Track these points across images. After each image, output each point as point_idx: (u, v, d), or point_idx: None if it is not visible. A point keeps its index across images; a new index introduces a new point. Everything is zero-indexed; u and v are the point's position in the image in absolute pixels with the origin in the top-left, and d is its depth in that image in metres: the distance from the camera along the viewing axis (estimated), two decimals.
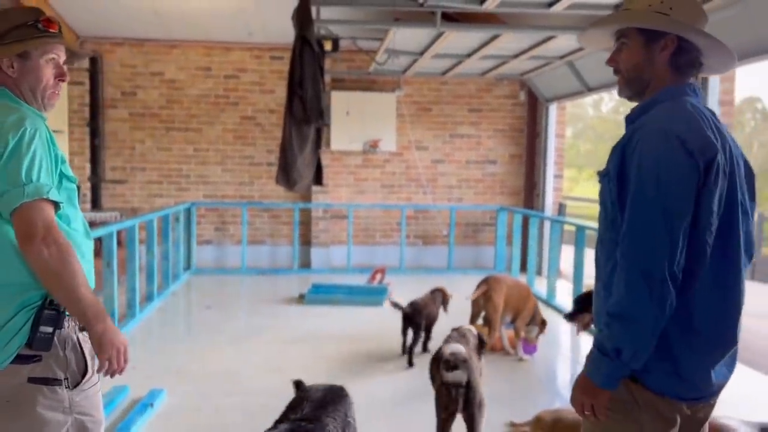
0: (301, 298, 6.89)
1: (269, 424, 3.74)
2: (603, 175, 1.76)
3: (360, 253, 8.81)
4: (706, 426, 1.80)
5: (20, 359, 1.73)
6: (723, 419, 2.12)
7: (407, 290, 4.57)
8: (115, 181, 8.56)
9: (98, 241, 5.28)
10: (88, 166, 8.36)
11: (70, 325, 1.80)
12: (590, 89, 7.33)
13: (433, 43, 6.43)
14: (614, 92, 2.60)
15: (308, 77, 4.84)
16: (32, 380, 1.74)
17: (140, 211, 8.20)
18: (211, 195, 8.75)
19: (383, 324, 5.80)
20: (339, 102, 8.57)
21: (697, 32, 1.71)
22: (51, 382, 1.75)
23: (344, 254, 8.60)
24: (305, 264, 8.73)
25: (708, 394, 1.72)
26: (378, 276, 7.67)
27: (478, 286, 4.93)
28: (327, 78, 8.53)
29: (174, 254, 7.50)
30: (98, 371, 1.82)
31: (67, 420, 1.77)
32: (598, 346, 1.65)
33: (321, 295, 6.89)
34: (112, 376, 1.82)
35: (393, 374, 4.71)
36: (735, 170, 1.68)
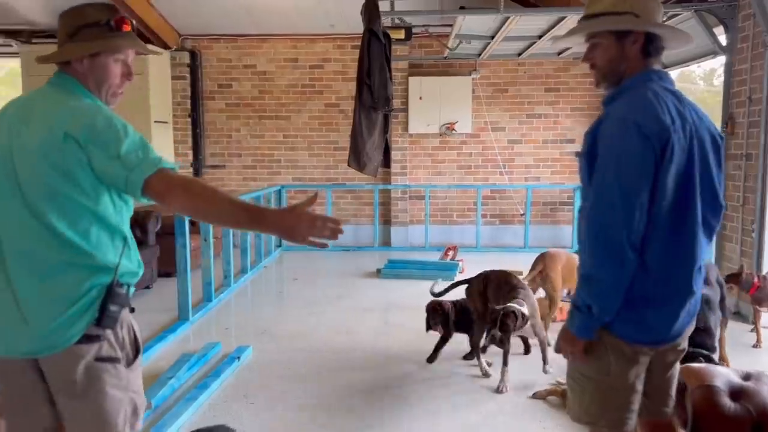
0: (378, 273, 7.38)
1: (333, 375, 4.27)
2: (580, 155, 2.06)
3: (437, 232, 9.18)
4: (677, 366, 2.07)
5: (86, 339, 1.78)
6: (706, 367, 2.35)
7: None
8: (214, 166, 9.41)
9: (193, 223, 6.00)
10: (190, 153, 9.25)
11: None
12: (665, 66, 7.24)
13: (501, 27, 6.64)
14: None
15: (375, 67, 5.25)
16: (99, 359, 1.80)
17: (237, 194, 8.99)
18: (300, 178, 9.41)
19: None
20: (416, 87, 8.92)
21: (662, 27, 1.98)
22: (114, 360, 1.84)
23: (422, 233, 9.01)
24: (386, 242, 9.23)
25: (668, 338, 2.00)
26: (450, 253, 8.01)
27: (534, 266, 5.12)
28: (404, 64, 8.93)
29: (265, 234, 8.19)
30: (319, 245, 1.78)
31: (125, 398, 1.87)
32: (574, 303, 1.98)
33: (396, 269, 7.35)
34: (333, 237, 1.78)
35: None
36: (694, 145, 1.93)
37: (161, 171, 1.74)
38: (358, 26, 5.54)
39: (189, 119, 9.19)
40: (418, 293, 6.53)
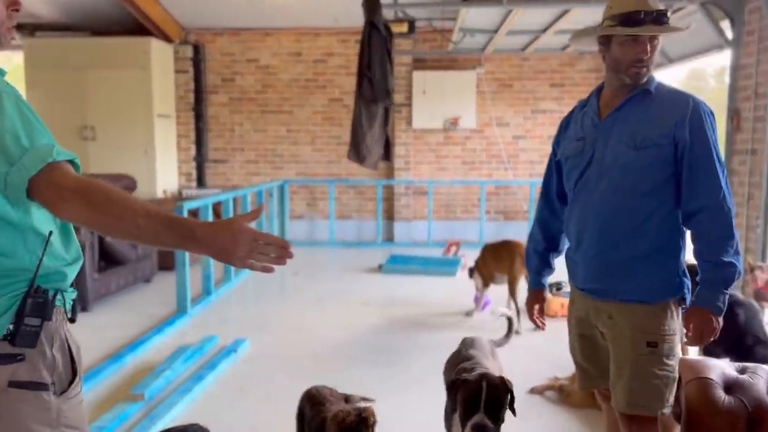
0: (380, 268, 7.35)
1: (332, 369, 4.25)
2: (654, 145, 2.21)
3: (441, 227, 9.14)
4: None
5: None
6: (701, 359, 2.30)
7: None
8: (217, 160, 9.40)
9: (195, 214, 5.98)
10: (193, 147, 9.25)
11: (58, 318, 1.46)
12: (671, 60, 7.17)
13: (505, 20, 6.58)
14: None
15: (376, 60, 5.21)
16: (14, 384, 1.38)
17: (240, 188, 8.97)
18: (303, 173, 9.38)
19: (451, 291, 6.15)
20: (419, 82, 8.88)
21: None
22: (37, 386, 1.40)
23: (425, 229, 8.97)
24: (389, 237, 9.19)
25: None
26: (453, 248, 7.97)
27: (502, 254, 5.19)
28: (408, 59, 8.88)
29: (268, 228, 8.19)
30: (261, 269, 1.44)
31: None
32: (718, 285, 2.07)
33: (398, 265, 7.31)
34: (280, 262, 1.45)
35: (453, 329, 5.05)
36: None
37: (53, 168, 1.32)
38: (361, 20, 5.51)
39: (192, 113, 9.18)
40: (420, 288, 6.52)
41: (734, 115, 5.68)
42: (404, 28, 6.78)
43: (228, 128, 9.37)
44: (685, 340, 2.08)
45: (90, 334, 4.90)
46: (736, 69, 5.70)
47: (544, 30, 7.18)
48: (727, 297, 2.00)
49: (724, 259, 1.96)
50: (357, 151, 5.31)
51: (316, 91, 9.23)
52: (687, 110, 2.02)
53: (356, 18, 8.24)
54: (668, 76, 7.98)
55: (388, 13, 6.75)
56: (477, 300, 5.54)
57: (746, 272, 4.80)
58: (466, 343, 2.95)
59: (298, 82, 9.24)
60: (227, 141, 9.39)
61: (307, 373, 4.15)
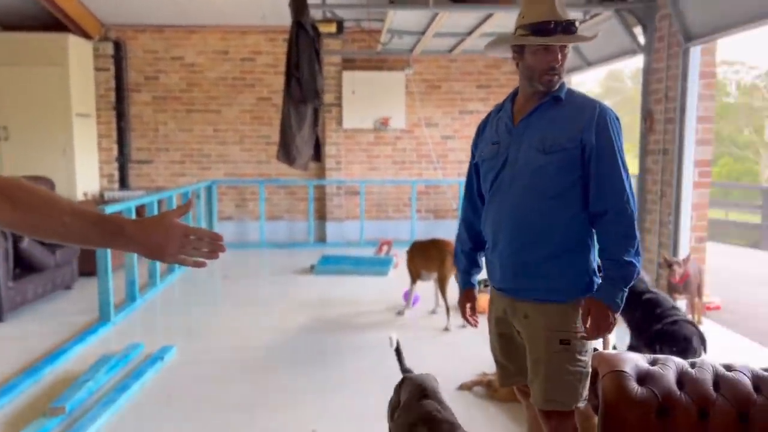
0: (312, 269, 7.31)
1: (264, 373, 4.20)
2: (560, 150, 2.29)
3: (373, 227, 9.19)
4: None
5: None
6: (617, 354, 2.42)
7: None
8: (141, 161, 9.09)
9: None
10: (115, 147, 8.90)
11: None
12: (589, 64, 7.49)
13: (432, 23, 6.69)
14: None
15: (304, 60, 5.18)
16: None
17: (165, 190, 8.71)
18: (232, 173, 9.21)
19: (384, 291, 6.20)
20: (349, 82, 8.89)
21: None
22: None
23: (357, 228, 8.99)
24: (321, 238, 9.16)
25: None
26: (384, 248, 8.04)
27: (432, 253, 5.30)
28: (337, 59, 8.88)
29: None
30: (194, 264, 1.43)
31: None
32: (617, 282, 2.15)
33: (330, 265, 7.30)
34: (212, 256, 1.42)
35: (385, 328, 5.09)
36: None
37: None
38: (290, 19, 5.46)
39: (114, 112, 8.84)
40: (353, 288, 6.54)
41: (647, 116, 5.99)
42: (333, 28, 6.77)
43: (152, 128, 9.07)
44: (584, 334, 2.17)
45: (5, 345, 4.66)
46: (648, 73, 6.01)
47: (470, 33, 7.34)
48: (625, 294, 2.09)
49: (626, 259, 2.06)
50: (286, 152, 5.26)
51: (244, 90, 9.08)
52: (593, 116, 2.11)
53: (284, 16, 8.15)
54: (588, 78, 8.31)
55: (316, 14, 6.73)
56: (407, 296, 5.62)
57: (663, 267, 5.09)
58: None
59: (226, 81, 9.06)
60: (151, 141, 9.10)
61: (238, 379, 4.09)
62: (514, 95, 2.29)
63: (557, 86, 2.17)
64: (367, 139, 9.28)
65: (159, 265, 6.45)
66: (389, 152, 9.35)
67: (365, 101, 8.92)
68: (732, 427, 2.17)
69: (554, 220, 2.15)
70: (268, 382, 4.05)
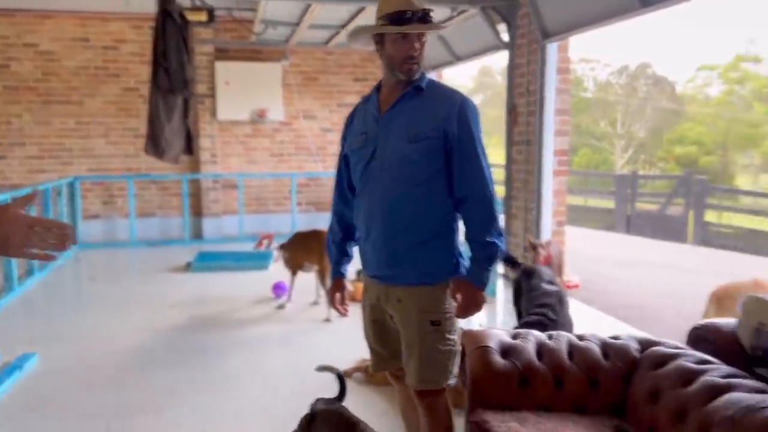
0: (188, 266, 7.07)
1: (137, 376, 4.03)
2: (425, 138, 2.32)
3: (253, 221, 9.03)
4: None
5: None
6: (483, 330, 2.59)
7: None
8: None
9: None
10: None
11: None
12: (458, 58, 7.81)
13: (305, 14, 6.66)
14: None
15: (172, 49, 4.98)
16: None
17: (21, 188, 8.03)
18: (97, 168, 8.66)
19: (265, 285, 6.11)
20: (222, 72, 8.65)
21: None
22: None
23: (236, 223, 8.79)
24: (197, 234, 8.86)
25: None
26: (265, 242, 7.93)
27: (312, 244, 5.35)
28: (210, 48, 8.60)
29: None
30: (42, 257, 1.34)
31: None
32: (483, 264, 2.25)
33: (207, 262, 7.09)
34: (61, 248, 1.33)
35: (266, 323, 5.05)
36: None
37: None
38: (155, 6, 5.21)
39: None
40: (232, 285, 6.39)
41: (512, 109, 6.35)
42: (203, 16, 6.53)
43: (3, 120, 8.32)
44: (455, 313, 2.29)
45: None
46: (511, 68, 6.37)
47: (344, 26, 7.39)
48: (490, 274, 2.25)
49: (488, 240, 2.20)
50: (155, 145, 5.04)
51: (108, 80, 8.56)
52: (455, 106, 2.22)
53: (149, 3, 7.78)
54: (460, 73, 8.67)
55: (183, 1, 6.47)
56: (277, 289, 5.62)
57: (528, 250, 5.44)
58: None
59: (87, 70, 8.48)
60: (3, 135, 8.34)
61: (108, 384, 3.89)
62: (379, 86, 2.35)
63: (417, 75, 2.25)
64: (244, 132, 9.09)
65: (16, 268, 5.95)
66: (267, 144, 9.22)
67: (241, 92, 8.72)
68: (584, 391, 2.39)
69: (422, 207, 2.23)
70: (143, 383, 3.88)
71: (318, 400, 2.24)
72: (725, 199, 14.79)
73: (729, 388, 1.99)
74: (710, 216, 11.89)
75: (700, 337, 2.56)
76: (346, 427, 2.00)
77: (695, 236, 11.48)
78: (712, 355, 2.33)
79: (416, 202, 2.23)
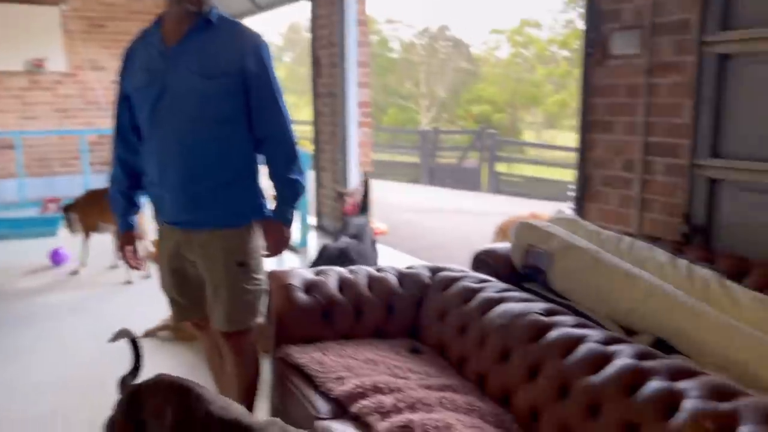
0: None
1: None
2: (222, 74, 2.19)
3: (36, 184, 8.09)
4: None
5: None
6: (287, 270, 2.63)
7: None
8: None
9: None
10: None
11: None
12: (260, 8, 7.60)
13: None
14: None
15: None
16: None
17: None
18: None
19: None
20: None
21: None
22: None
23: (16, 187, 7.82)
24: None
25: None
26: (51, 206, 7.18)
27: (105, 201, 5.00)
28: None
29: None
30: None
31: None
32: (287, 201, 2.25)
33: None
34: None
35: (59, 290, 4.63)
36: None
37: None
38: None
39: None
40: (14, 254, 5.74)
41: (315, 62, 6.36)
42: None
43: None
44: (266, 252, 2.29)
45: None
46: (314, 20, 6.34)
47: None
48: (294, 210, 2.27)
49: (291, 177, 2.21)
50: None
51: None
52: (253, 44, 2.15)
53: None
54: (269, 30, 8.41)
55: None
56: (57, 256, 5.19)
57: (337, 199, 5.59)
58: None
59: None
60: None
61: None
62: (159, 19, 2.20)
63: (207, 8, 2.14)
64: (20, 84, 8.03)
65: None
66: (49, 99, 8.25)
67: (11, 40, 7.66)
68: (382, 318, 2.54)
69: (224, 147, 2.15)
70: None
71: (122, 378, 1.81)
72: (514, 152, 16.36)
73: (501, 300, 2.24)
74: (501, 167, 13.08)
75: (481, 261, 2.84)
76: (179, 393, 1.62)
77: (489, 185, 12.60)
78: (491, 275, 2.59)
79: (216, 142, 2.14)
